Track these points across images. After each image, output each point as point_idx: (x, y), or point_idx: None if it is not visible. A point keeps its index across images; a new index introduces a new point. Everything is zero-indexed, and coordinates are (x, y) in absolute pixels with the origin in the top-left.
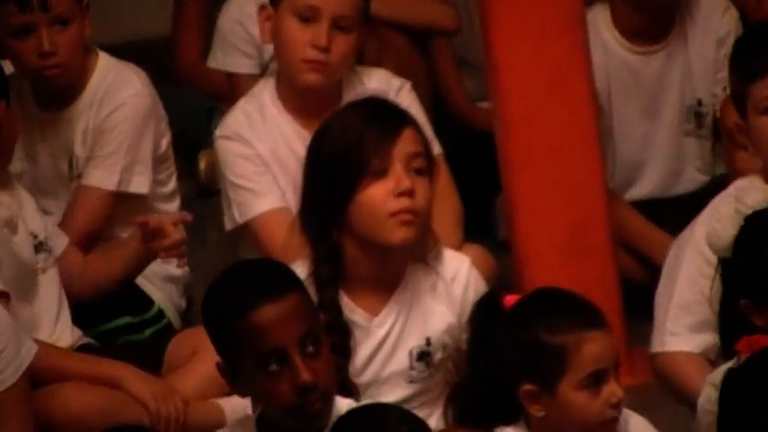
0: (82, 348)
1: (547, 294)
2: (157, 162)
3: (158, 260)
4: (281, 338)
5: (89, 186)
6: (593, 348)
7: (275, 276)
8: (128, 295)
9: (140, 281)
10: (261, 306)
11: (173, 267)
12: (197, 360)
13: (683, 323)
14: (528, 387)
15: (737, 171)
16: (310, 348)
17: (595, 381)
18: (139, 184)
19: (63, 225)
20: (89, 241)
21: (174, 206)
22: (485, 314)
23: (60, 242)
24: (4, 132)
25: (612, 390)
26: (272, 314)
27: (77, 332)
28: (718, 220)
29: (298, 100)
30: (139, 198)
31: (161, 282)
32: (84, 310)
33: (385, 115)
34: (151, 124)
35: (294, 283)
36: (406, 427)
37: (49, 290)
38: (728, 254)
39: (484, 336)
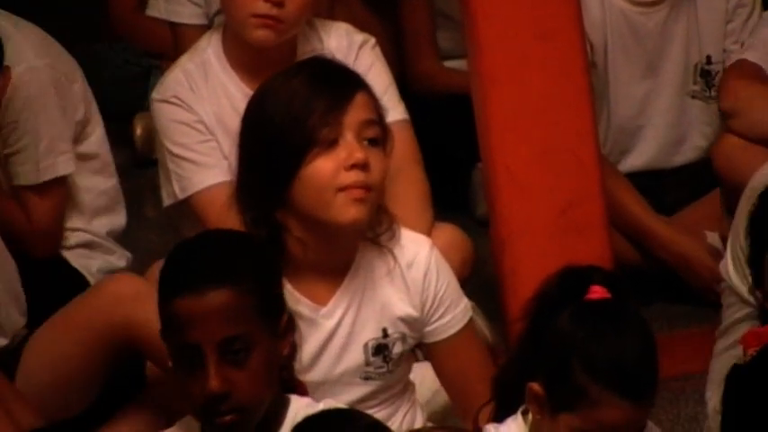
0: None
1: (617, 329)
2: (78, 130)
3: (100, 254)
4: (198, 336)
5: (24, 186)
6: (608, 414)
7: (218, 263)
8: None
9: (88, 277)
10: (184, 295)
11: (115, 258)
12: None
13: None
14: (537, 388)
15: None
16: (232, 356)
17: None
18: (66, 164)
19: (23, 232)
20: (55, 238)
21: (112, 181)
22: (563, 290)
23: None
24: None
25: None
26: (192, 307)
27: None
28: None
29: (246, 57)
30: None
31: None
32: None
33: (334, 78)
34: (55, 93)
35: (237, 277)
36: None
37: None
38: None
39: (550, 313)
